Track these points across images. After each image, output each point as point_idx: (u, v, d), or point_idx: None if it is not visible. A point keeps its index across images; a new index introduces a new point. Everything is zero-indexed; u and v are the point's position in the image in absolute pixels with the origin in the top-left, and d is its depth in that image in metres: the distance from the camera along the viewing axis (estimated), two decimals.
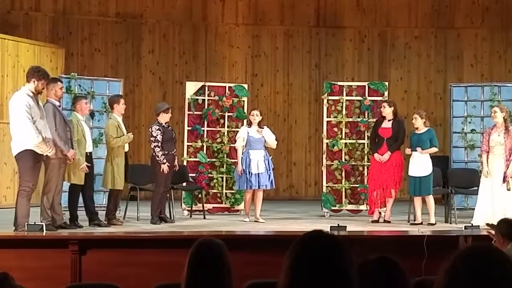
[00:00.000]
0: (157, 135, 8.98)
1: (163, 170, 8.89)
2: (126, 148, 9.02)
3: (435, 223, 8.80)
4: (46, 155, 7.53)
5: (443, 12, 14.12)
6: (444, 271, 1.82)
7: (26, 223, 7.10)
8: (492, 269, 1.77)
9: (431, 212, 8.91)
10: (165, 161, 8.92)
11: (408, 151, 9.10)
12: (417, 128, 9.12)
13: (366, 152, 10.17)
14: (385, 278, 2.28)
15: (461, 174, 10.02)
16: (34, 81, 7.48)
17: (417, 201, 8.98)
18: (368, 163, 9.85)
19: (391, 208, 9.23)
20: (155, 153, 8.95)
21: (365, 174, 10.08)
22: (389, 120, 9.29)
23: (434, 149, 9.09)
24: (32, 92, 7.46)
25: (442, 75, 14.03)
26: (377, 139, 9.30)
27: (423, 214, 8.98)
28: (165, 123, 9.17)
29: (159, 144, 8.96)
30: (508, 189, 8.53)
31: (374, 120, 9.78)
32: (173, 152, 9.14)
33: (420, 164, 8.96)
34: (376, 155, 9.19)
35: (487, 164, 8.71)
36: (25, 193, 7.40)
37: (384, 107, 9.36)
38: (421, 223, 8.77)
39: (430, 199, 8.97)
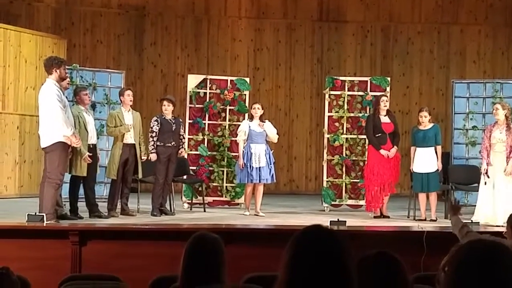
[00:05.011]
0: (153, 126, 9.08)
1: (150, 158, 8.98)
2: (130, 140, 8.88)
3: (436, 219, 8.80)
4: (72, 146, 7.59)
5: (446, 8, 14.09)
6: (449, 264, 1.82)
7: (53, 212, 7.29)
8: (498, 264, 1.78)
9: (433, 208, 8.90)
10: (154, 151, 8.98)
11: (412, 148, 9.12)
12: (419, 124, 9.11)
13: (367, 147, 10.13)
14: (385, 273, 2.28)
15: (461, 171, 10.01)
16: (55, 70, 7.51)
17: (423, 197, 8.99)
18: None
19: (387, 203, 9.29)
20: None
21: None
22: (385, 115, 9.30)
23: (439, 148, 9.11)
24: (58, 82, 7.50)
25: (445, 71, 14.01)
26: (379, 134, 9.22)
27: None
28: (169, 115, 9.16)
29: (153, 135, 9.03)
30: None
31: None
32: (170, 144, 9.10)
33: (427, 160, 8.96)
34: (383, 151, 9.11)
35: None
36: (57, 186, 7.50)
37: (387, 101, 9.39)
38: (425, 219, 8.77)
39: (434, 195, 8.98)
